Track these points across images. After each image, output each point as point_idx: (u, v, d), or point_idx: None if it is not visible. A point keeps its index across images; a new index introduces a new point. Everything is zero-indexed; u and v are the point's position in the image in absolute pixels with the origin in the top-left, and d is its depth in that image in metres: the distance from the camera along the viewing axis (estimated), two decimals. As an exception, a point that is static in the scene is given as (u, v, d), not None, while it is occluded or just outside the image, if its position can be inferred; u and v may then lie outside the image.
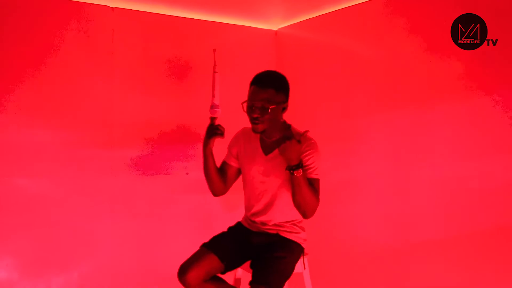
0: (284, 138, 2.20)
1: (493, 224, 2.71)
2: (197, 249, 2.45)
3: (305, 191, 2.24)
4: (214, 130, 2.43)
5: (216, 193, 2.59)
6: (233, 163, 2.58)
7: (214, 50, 2.69)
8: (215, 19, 3.79)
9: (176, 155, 3.58)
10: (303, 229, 2.51)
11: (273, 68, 2.67)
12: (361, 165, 3.32)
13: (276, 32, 4.30)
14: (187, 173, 3.56)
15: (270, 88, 2.31)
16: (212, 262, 2.33)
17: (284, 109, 2.41)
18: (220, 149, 2.67)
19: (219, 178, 2.55)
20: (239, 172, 2.62)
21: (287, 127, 2.41)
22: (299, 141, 2.18)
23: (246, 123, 2.57)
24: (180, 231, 3.57)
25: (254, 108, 2.31)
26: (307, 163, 2.32)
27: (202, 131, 2.62)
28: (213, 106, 2.61)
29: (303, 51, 4.05)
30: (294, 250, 2.40)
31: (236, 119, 2.70)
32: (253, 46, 4.00)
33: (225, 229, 2.61)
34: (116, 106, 3.34)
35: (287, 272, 2.30)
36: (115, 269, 3.33)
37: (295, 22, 4.09)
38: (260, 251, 2.37)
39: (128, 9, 3.29)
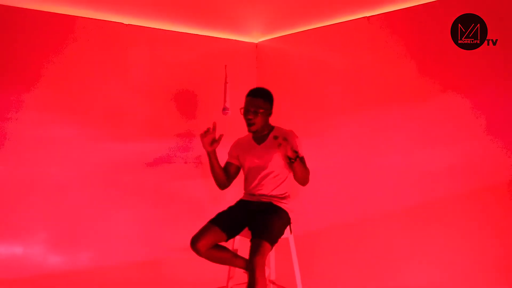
0: (274, 138, 2.86)
1: (442, 195, 3.19)
2: (202, 224, 3.05)
3: (303, 171, 2.93)
4: (206, 135, 3.10)
5: (221, 187, 3.24)
6: (234, 162, 3.26)
7: (225, 66, 3.54)
8: (199, 32, 4.17)
9: (177, 147, 4.07)
10: (289, 202, 3.15)
11: (253, 77, 4.33)
12: (330, 156, 3.85)
13: (257, 45, 4.54)
14: (185, 162, 4.09)
15: (260, 98, 3.10)
16: (216, 233, 2.95)
17: (269, 114, 3.18)
18: (222, 151, 3.28)
19: (223, 174, 3.21)
20: (238, 169, 3.29)
21: (271, 127, 3.21)
22: (275, 137, 2.82)
23: (226, 121, 3.41)
24: (180, 212, 4.06)
25: (248, 111, 3.08)
26: (294, 147, 2.94)
27: (199, 128, 3.28)
28: (224, 109, 3.47)
29: (282, 62, 4.34)
30: (284, 215, 3.03)
31: (220, 121, 3.36)
32: (235, 57, 4.32)
33: (213, 209, 3.17)
34: (128, 106, 3.82)
35: (279, 231, 2.94)
36: (128, 243, 3.80)
37: (275, 36, 4.37)
38: (256, 215, 2.98)
39: (137, 25, 3.90)
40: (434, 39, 3.18)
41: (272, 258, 3.29)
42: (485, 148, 2.97)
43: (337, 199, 3.82)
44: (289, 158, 2.85)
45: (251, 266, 2.69)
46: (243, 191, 3.26)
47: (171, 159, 4.04)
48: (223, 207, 3.18)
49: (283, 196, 3.13)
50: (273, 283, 3.28)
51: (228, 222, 3.03)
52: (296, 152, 2.87)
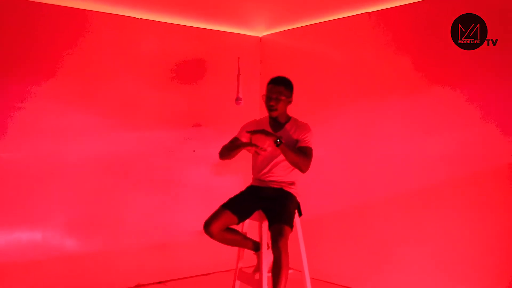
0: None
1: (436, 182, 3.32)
2: (210, 208, 3.15)
3: (290, 154, 3.01)
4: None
5: (224, 160, 3.30)
6: (243, 139, 3.28)
7: (238, 58, 3.86)
8: (205, 26, 4.29)
9: (186, 137, 4.24)
10: (297, 187, 3.26)
11: (257, 71, 4.57)
12: (334, 145, 3.97)
13: (260, 39, 4.62)
14: (194, 151, 4.24)
15: (281, 85, 3.17)
16: (228, 216, 3.08)
17: (290, 102, 3.23)
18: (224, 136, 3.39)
19: (234, 155, 3.28)
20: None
21: (289, 117, 3.26)
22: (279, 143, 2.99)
23: (227, 114, 4.19)
24: (189, 197, 4.25)
25: (270, 98, 3.16)
26: (303, 137, 3.13)
27: (207, 118, 4.17)
28: (238, 99, 3.80)
29: (285, 56, 4.40)
30: (294, 200, 3.18)
31: (226, 113, 4.18)
32: (239, 51, 4.35)
33: (220, 194, 3.30)
34: (140, 97, 3.99)
35: (293, 214, 3.10)
36: (141, 227, 3.98)
37: (278, 30, 4.43)
38: (269, 201, 3.12)
39: (148, 19, 4.05)
40: (434, 37, 3.19)
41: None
42: (483, 135, 3.04)
43: (340, 185, 3.95)
44: (274, 142, 2.98)
45: (277, 249, 2.82)
46: (252, 176, 3.33)
47: (181, 147, 4.19)
48: (231, 193, 3.26)
49: (291, 182, 3.23)
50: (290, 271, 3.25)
51: (239, 206, 3.15)
52: (277, 139, 2.97)
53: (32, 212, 3.50)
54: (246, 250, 3.26)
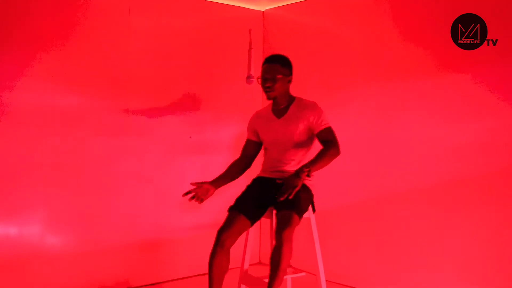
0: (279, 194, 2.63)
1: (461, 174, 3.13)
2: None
3: (325, 163, 2.76)
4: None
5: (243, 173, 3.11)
6: (254, 138, 3.11)
7: (250, 30, 3.45)
8: None
9: (182, 121, 3.92)
10: (312, 178, 2.91)
11: (259, 47, 4.00)
12: (346, 130, 3.44)
13: (263, 13, 4.40)
14: (190, 137, 3.91)
15: (276, 63, 2.93)
16: (242, 222, 2.80)
17: (289, 81, 2.97)
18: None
19: (237, 172, 3.07)
20: (259, 146, 3.13)
21: (292, 98, 3.01)
22: (280, 194, 2.61)
23: (237, 92, 3.87)
24: (184, 189, 3.62)
25: (266, 79, 2.91)
26: (315, 120, 2.88)
27: (206, 99, 3.85)
28: (249, 77, 3.41)
29: (289, 32, 4.20)
30: (309, 191, 2.91)
31: (226, 94, 3.87)
32: (241, 25, 4.09)
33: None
34: (131, 75, 3.64)
35: (306, 205, 2.83)
36: (130, 223, 3.67)
37: (282, 4, 4.24)
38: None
39: None
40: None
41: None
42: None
43: (354, 178, 3.69)
44: (307, 176, 2.68)
45: (280, 239, 2.56)
46: (261, 167, 3.10)
47: (175, 133, 3.87)
48: (233, 186, 3.00)
49: None
50: (289, 265, 3.07)
51: (251, 206, 2.86)
52: (305, 170, 2.65)
53: (9, 207, 3.19)
54: (251, 248, 3.02)
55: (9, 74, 3.14)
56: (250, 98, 3.47)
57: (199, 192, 2.85)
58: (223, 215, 2.86)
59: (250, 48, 3.45)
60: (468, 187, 3.09)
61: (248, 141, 3.14)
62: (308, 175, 2.64)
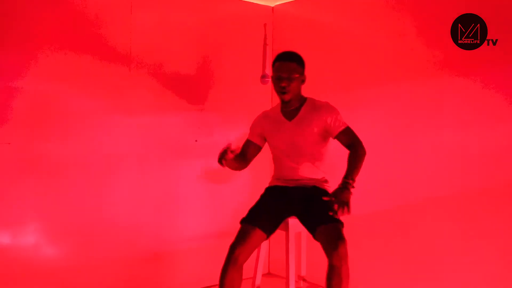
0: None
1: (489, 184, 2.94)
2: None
3: (361, 165, 2.62)
4: (224, 156, 2.65)
5: (238, 171, 2.95)
6: (256, 141, 2.90)
7: (265, 24, 3.19)
8: None
9: (187, 123, 3.66)
10: (331, 185, 2.78)
11: (269, 42, 3.50)
12: (367, 133, 3.11)
13: (273, 9, 4.27)
14: (196, 140, 3.65)
15: (293, 61, 2.71)
16: (256, 236, 2.55)
17: (303, 81, 2.78)
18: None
19: (241, 164, 2.87)
20: (259, 149, 2.93)
21: (303, 99, 2.81)
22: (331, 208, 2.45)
23: (246, 92, 3.53)
24: (190, 193, 3.66)
25: (281, 78, 2.68)
26: (332, 122, 2.70)
27: (212, 100, 3.49)
28: (264, 76, 3.14)
29: (299, 28, 4.06)
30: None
31: (233, 95, 3.50)
32: (249, 21, 3.95)
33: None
34: (132, 75, 3.39)
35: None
36: (130, 234, 3.41)
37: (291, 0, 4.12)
38: (304, 203, 2.65)
39: None
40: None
41: (304, 251, 3.03)
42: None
43: (375, 183, 3.38)
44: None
45: (338, 257, 2.32)
46: (272, 175, 2.90)
47: (180, 136, 3.61)
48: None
49: (323, 179, 2.80)
50: (304, 279, 3.06)
51: (267, 218, 2.62)
52: (350, 182, 2.51)
53: (1, 217, 2.93)
54: (263, 261, 2.85)
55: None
56: (261, 98, 3.27)
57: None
58: (225, 225, 2.75)
59: (265, 45, 3.21)
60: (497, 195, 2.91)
61: (248, 142, 2.93)
62: (353, 187, 2.51)
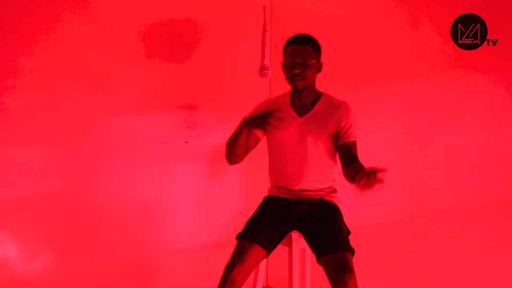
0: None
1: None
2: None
3: None
4: (267, 121, 2.24)
5: (232, 163, 2.50)
6: (257, 132, 2.45)
7: (264, 7, 2.78)
8: None
9: (176, 123, 3.33)
10: (338, 194, 2.50)
11: (268, 29, 3.07)
12: (377, 135, 3.12)
13: (271, 1, 3.77)
14: (186, 142, 3.33)
15: (308, 45, 2.38)
16: (255, 254, 2.23)
17: (319, 69, 2.44)
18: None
19: (244, 152, 2.46)
20: (258, 141, 2.52)
21: (318, 94, 2.46)
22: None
23: (228, 94, 3.20)
24: (178, 200, 3.35)
25: (294, 64, 2.33)
26: (346, 128, 2.37)
27: (204, 99, 3.08)
28: (263, 68, 2.74)
29: (298, 21, 3.59)
30: (339, 213, 2.42)
31: (226, 91, 3.14)
32: (246, 15, 3.53)
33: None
34: (116, 72, 3.09)
35: (346, 234, 2.31)
36: (116, 244, 3.14)
37: None
38: (309, 219, 2.34)
39: None
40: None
41: (308, 266, 2.64)
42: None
43: (387, 190, 2.92)
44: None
45: None
46: (270, 183, 2.56)
47: (169, 138, 3.28)
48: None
49: (332, 188, 2.47)
50: None
51: (267, 233, 2.30)
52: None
53: None
54: (262, 277, 2.56)
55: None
56: (258, 94, 2.79)
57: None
58: (218, 236, 2.55)
59: (264, 31, 2.81)
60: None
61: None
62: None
